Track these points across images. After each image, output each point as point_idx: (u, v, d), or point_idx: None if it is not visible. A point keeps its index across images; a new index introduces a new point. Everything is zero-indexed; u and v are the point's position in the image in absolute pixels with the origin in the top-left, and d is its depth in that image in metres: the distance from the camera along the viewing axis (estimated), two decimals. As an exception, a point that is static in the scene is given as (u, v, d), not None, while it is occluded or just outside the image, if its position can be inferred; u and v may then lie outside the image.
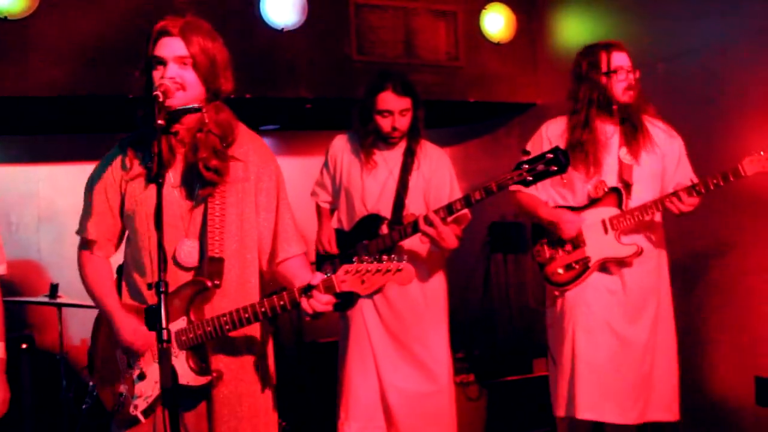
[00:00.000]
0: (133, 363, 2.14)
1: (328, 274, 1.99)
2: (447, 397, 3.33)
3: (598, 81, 3.06)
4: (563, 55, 4.39)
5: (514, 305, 4.90)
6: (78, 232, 2.25)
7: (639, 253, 3.07)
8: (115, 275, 2.27)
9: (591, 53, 3.11)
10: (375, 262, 1.94)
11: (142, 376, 2.11)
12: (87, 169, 2.24)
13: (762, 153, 2.85)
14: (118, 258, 2.30)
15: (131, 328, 2.09)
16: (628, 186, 3.08)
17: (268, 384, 2.24)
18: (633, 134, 3.08)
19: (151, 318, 2.09)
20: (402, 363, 3.28)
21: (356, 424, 3.28)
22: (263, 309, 2.03)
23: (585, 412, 3.05)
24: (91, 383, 3.73)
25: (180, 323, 2.08)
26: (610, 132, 3.12)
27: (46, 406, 3.86)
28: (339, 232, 3.41)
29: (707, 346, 3.64)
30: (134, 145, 2.16)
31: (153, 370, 2.10)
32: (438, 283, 3.37)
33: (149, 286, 1.85)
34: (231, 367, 2.15)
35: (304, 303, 1.99)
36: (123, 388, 2.12)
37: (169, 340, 1.80)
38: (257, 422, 2.18)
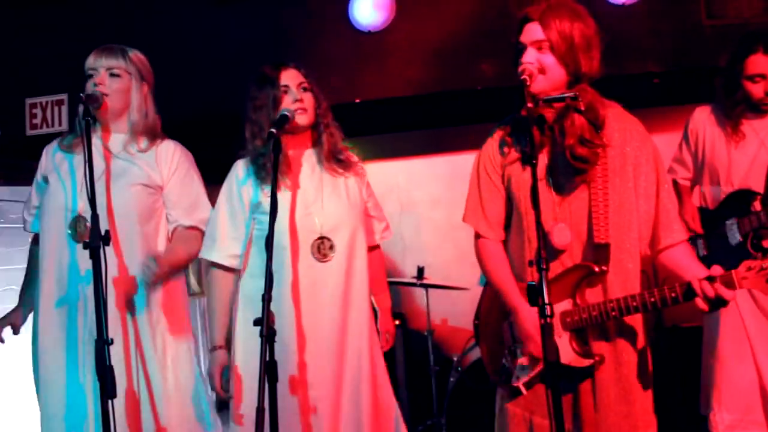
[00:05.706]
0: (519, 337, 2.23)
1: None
2: (841, 394, 2.92)
3: None
4: None
5: None
6: (464, 219, 2.35)
7: None
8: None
9: None
10: None
11: (526, 351, 2.20)
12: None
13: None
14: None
15: (534, 322, 1.99)
16: None
17: (648, 373, 2.18)
18: None
19: (533, 294, 2.19)
20: (785, 352, 2.96)
21: (730, 416, 3.03)
22: (653, 299, 1.99)
23: None
24: (455, 359, 4.03)
25: (565, 305, 2.13)
26: None
27: (416, 378, 4.26)
28: (702, 210, 3.19)
29: None
30: (509, 130, 2.26)
31: None
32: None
33: (530, 263, 1.94)
34: (613, 353, 2.13)
35: (708, 289, 1.90)
36: (507, 360, 2.23)
37: (551, 315, 1.84)
38: (638, 410, 2.13)
